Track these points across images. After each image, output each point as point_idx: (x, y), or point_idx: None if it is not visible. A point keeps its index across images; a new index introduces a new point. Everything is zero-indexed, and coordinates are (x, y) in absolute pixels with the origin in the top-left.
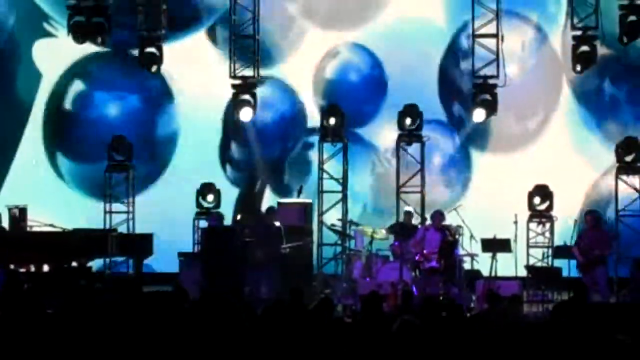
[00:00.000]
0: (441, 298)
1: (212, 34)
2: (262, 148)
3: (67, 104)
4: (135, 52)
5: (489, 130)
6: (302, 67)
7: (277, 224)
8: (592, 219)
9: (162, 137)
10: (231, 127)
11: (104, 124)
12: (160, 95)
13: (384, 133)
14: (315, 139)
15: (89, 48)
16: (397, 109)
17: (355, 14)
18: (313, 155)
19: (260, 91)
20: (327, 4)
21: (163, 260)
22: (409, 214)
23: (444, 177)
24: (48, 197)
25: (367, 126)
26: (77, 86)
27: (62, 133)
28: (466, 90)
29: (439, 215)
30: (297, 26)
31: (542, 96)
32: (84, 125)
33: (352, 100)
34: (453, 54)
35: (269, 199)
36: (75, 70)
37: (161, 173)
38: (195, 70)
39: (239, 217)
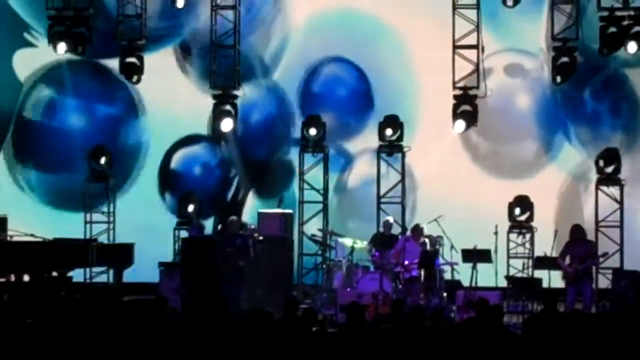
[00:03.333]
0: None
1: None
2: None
3: (32, 112)
4: (110, 62)
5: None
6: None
7: (244, 234)
8: (581, 232)
9: (130, 148)
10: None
11: (70, 134)
12: (128, 106)
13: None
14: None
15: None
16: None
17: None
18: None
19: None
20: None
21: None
22: (388, 224)
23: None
24: (28, 206)
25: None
26: (44, 93)
27: (30, 143)
28: None
29: (418, 230)
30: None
31: (523, 108)
32: (51, 135)
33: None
34: None
35: (251, 206)
36: (44, 78)
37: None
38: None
39: (219, 227)
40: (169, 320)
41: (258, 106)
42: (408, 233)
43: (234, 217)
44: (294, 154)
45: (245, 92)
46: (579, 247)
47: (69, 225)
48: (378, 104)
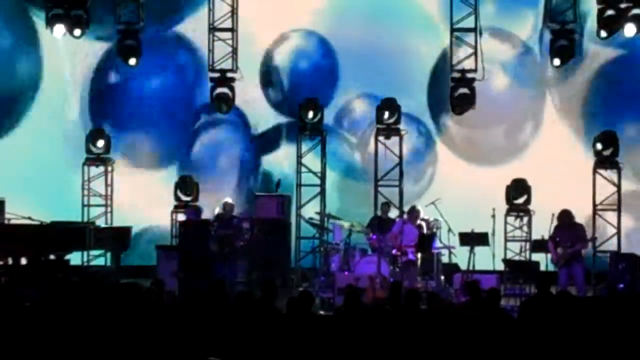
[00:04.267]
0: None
1: None
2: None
3: None
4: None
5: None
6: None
7: (238, 216)
8: (567, 216)
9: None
10: None
11: None
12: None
13: None
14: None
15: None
16: None
17: None
18: (290, 149)
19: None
20: None
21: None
22: (386, 207)
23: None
24: (25, 189)
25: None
26: None
27: None
28: None
29: (414, 213)
30: None
31: (521, 91)
32: None
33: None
34: None
35: None
36: None
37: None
38: None
39: (216, 210)
40: (164, 305)
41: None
42: (405, 216)
43: (228, 200)
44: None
45: (242, 76)
46: (567, 231)
47: (66, 208)
48: (377, 88)
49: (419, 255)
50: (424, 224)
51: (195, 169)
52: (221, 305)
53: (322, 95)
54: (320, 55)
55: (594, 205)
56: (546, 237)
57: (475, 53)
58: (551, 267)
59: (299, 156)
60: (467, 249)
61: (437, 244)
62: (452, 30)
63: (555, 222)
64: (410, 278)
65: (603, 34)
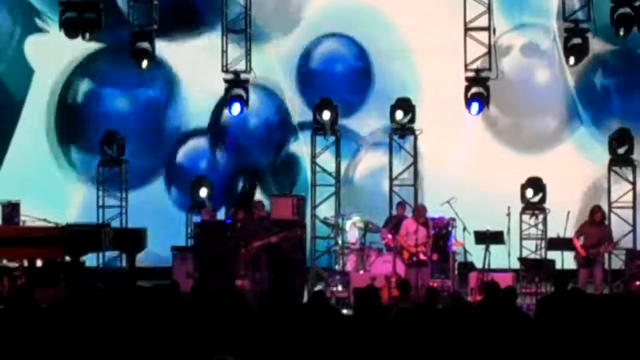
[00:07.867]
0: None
1: None
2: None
3: (77, 100)
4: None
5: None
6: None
7: (265, 214)
8: (602, 215)
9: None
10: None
11: (113, 119)
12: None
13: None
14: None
15: (82, 43)
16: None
17: None
18: (305, 149)
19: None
20: None
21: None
22: (401, 206)
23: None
24: (41, 191)
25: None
26: (86, 84)
27: (75, 127)
28: None
29: (417, 211)
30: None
31: (536, 89)
32: (95, 120)
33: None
34: None
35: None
36: (81, 69)
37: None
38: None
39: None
40: (184, 302)
41: (255, 111)
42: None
43: (259, 199)
44: (306, 137)
45: (256, 75)
46: (594, 230)
47: (81, 209)
48: (388, 87)
49: (435, 254)
50: (430, 222)
51: None
52: (230, 305)
53: None
54: None
55: (609, 202)
56: (562, 235)
57: (490, 52)
58: (567, 265)
59: (313, 156)
60: (482, 247)
61: (452, 242)
62: (466, 29)
63: (569, 220)
64: (423, 277)
65: (621, 32)
